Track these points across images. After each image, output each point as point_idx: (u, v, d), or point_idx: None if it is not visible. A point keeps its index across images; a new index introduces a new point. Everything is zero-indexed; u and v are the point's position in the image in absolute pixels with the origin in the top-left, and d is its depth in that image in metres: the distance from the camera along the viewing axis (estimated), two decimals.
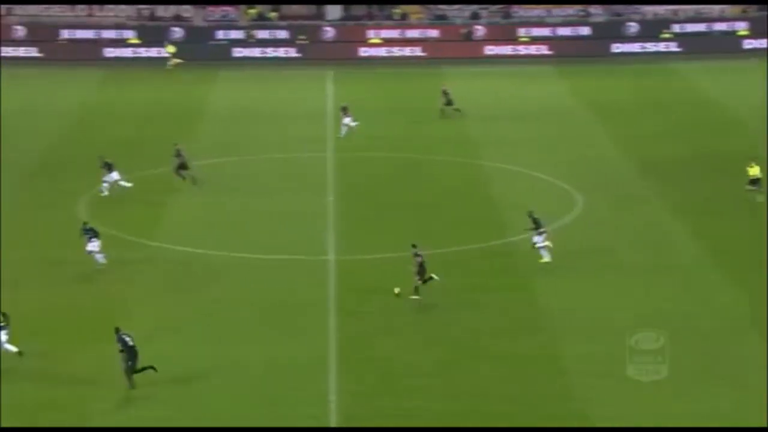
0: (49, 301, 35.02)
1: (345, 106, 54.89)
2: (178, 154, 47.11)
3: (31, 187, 47.01)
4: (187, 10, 78.95)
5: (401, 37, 77.88)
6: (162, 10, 78.87)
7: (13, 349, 30.74)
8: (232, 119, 59.63)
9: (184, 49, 74.71)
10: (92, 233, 37.97)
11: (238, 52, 75.43)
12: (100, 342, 31.52)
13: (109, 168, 45.27)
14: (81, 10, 78.75)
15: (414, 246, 34.92)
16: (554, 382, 29.77)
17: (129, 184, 45.56)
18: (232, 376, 30.19)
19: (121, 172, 45.31)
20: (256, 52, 75.54)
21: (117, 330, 29.55)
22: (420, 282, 34.50)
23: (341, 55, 75.34)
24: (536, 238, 37.70)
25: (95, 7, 78.69)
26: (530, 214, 38.30)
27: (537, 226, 37.80)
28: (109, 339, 29.69)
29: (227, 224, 42.58)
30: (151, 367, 29.39)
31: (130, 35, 76.11)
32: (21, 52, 74.46)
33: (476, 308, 34.60)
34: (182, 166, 46.93)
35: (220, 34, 77.28)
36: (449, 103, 59.34)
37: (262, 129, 57.09)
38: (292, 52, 75.79)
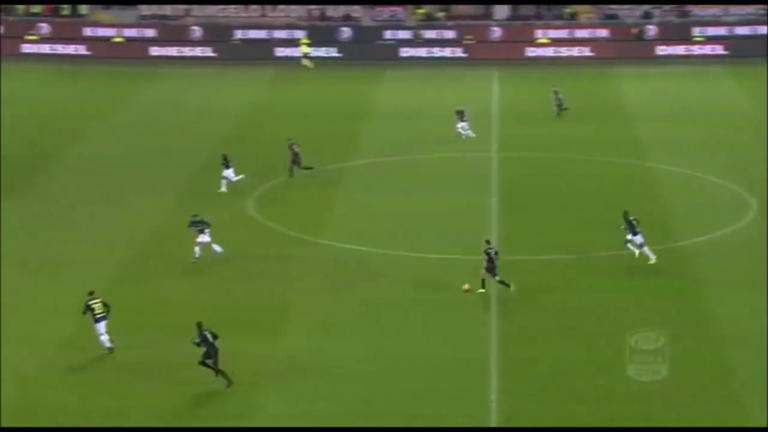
0: (204, 296, 35.48)
1: (461, 110, 54.39)
2: (292, 149, 47.57)
3: (198, 186, 47.96)
4: (356, 11, 79.86)
5: (570, 37, 76.86)
6: (332, 11, 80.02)
7: (107, 343, 30.82)
8: (397, 119, 59.94)
9: (352, 48, 75.73)
10: (203, 225, 37.87)
11: (405, 51, 75.83)
12: (265, 337, 32.20)
13: (227, 164, 45.94)
14: (254, 10, 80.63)
15: (488, 242, 35.20)
16: (718, 388, 28.93)
17: (240, 176, 45.77)
18: (391, 375, 30.22)
19: (235, 169, 45.81)
20: (422, 52, 75.81)
21: (199, 325, 29.31)
22: (489, 276, 34.61)
23: (508, 55, 74.83)
24: (630, 237, 36.98)
25: (268, 7, 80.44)
26: (625, 216, 37.37)
27: (632, 228, 36.94)
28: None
29: (390, 223, 42.73)
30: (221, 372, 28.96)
31: (300, 35, 77.47)
32: (197, 51, 76.81)
33: (639, 311, 33.78)
34: (294, 161, 47.50)
35: (388, 34, 77.87)
36: (559, 103, 58.32)
37: (426, 128, 57.13)
38: (459, 52, 75.73)
